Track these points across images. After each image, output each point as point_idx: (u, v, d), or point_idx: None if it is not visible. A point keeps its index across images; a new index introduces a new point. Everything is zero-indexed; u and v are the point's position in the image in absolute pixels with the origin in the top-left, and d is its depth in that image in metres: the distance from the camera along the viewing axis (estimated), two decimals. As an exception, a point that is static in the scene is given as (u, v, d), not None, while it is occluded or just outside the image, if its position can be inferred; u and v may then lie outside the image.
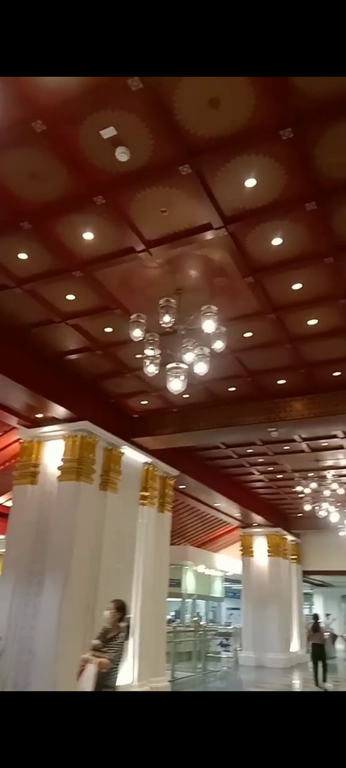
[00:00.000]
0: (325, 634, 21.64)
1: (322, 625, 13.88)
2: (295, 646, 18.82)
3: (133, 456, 10.73)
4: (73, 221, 5.49)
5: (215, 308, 5.87)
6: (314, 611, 31.48)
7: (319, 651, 13.19)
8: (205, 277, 6.31)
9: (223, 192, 5.03)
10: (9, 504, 12.72)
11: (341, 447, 11.89)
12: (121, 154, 4.61)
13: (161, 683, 10.88)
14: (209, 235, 5.56)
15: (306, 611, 26.59)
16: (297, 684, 14.73)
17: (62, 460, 9.38)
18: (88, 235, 5.65)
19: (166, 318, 5.88)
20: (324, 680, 12.92)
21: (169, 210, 5.29)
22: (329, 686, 12.93)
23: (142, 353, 6.27)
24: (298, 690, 12.33)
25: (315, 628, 13.53)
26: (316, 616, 14.37)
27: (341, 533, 16.78)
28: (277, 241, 5.62)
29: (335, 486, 13.66)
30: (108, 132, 4.42)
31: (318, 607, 33.82)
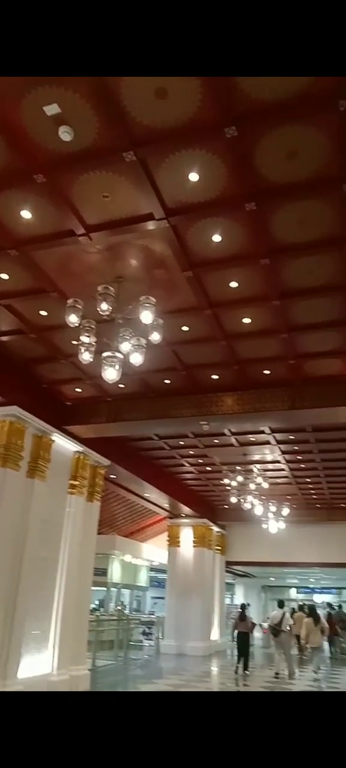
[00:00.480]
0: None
1: (247, 614, 14.50)
2: (215, 634, 19.32)
3: (64, 444, 10.51)
4: (11, 197, 5.26)
5: (153, 299, 5.86)
6: (236, 600, 32.70)
7: (244, 639, 13.78)
8: (145, 267, 6.29)
9: (166, 183, 5.03)
10: None
11: (267, 442, 12.32)
12: (65, 134, 4.47)
13: (81, 671, 10.79)
14: (150, 225, 5.54)
15: (228, 600, 27.46)
16: (215, 670, 15.16)
17: (-12, 445, 9.01)
18: (26, 214, 5.44)
19: (104, 305, 5.79)
20: (245, 668, 13.57)
21: (111, 196, 5.21)
22: (248, 674, 13.46)
23: (78, 339, 6.14)
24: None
25: (242, 617, 14.07)
26: (243, 606, 14.90)
27: (264, 526, 17.41)
28: (217, 238, 5.70)
29: (260, 480, 14.14)
30: (52, 109, 4.27)
31: (239, 596, 35.02)
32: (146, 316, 5.83)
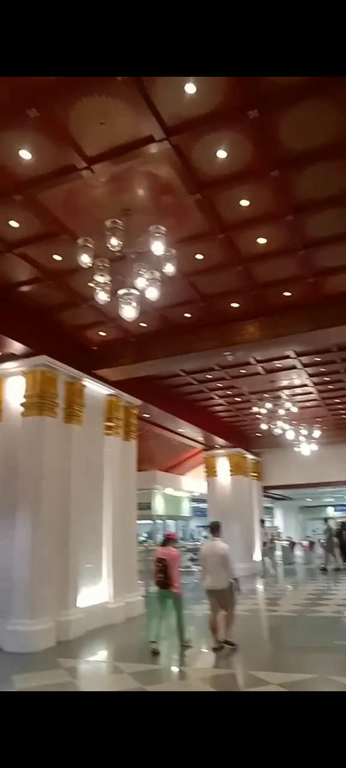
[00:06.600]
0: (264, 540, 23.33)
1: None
2: (257, 556, 19.39)
3: (95, 388, 10.40)
4: (8, 138, 4.90)
5: (163, 229, 5.45)
6: (276, 523, 33.03)
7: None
8: (151, 195, 5.85)
9: (162, 99, 4.55)
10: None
11: (293, 367, 11.86)
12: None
13: (135, 598, 11.08)
14: (152, 149, 5.08)
15: (268, 524, 27.62)
16: (260, 588, 15.23)
17: (24, 396, 8.97)
18: (24, 154, 5.07)
19: (114, 241, 5.45)
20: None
21: (108, 121, 4.77)
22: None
23: (93, 280, 5.84)
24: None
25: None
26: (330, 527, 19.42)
27: (296, 449, 17.11)
28: (222, 154, 5.20)
29: (288, 405, 13.74)
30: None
31: (279, 518, 35.23)
32: (157, 247, 5.46)
